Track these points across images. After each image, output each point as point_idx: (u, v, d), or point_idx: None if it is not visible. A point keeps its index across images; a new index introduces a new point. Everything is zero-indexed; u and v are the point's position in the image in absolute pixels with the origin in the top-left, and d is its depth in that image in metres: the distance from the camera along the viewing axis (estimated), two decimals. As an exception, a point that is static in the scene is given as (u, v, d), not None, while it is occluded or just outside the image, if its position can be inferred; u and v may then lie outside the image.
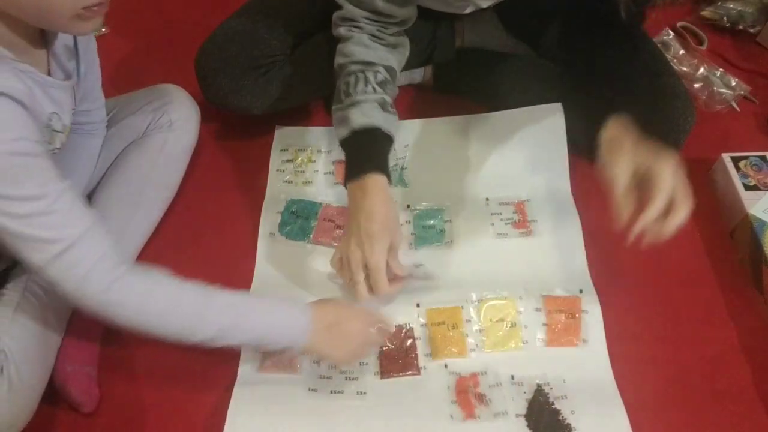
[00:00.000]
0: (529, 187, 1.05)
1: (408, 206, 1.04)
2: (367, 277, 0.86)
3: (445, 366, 0.87)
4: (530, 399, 0.84)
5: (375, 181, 0.87)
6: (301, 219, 1.03)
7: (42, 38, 0.73)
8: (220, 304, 0.75)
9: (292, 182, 1.09)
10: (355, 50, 0.90)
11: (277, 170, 1.11)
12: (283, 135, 1.15)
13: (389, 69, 0.92)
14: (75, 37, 0.79)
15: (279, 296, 0.85)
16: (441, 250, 0.99)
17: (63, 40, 0.77)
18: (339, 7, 0.93)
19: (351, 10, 0.91)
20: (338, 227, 1.02)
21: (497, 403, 0.84)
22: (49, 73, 0.75)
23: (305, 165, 1.11)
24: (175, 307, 0.73)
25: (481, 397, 0.84)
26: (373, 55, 0.90)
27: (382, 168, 0.88)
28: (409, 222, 1.02)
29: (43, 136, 0.72)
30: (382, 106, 0.89)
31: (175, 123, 1.04)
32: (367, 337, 0.82)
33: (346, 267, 0.87)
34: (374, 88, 0.89)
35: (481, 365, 0.87)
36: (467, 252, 0.99)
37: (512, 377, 0.86)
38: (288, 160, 1.11)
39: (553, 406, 0.83)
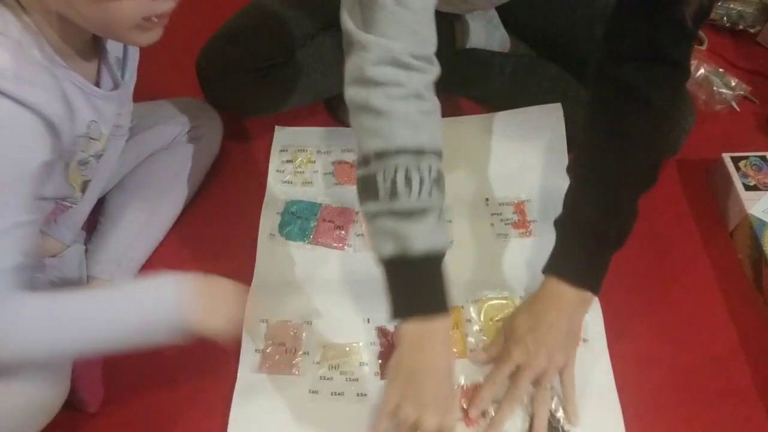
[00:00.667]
0: (529, 188, 1.05)
1: None
2: None
3: None
4: (532, 414, 0.82)
5: (445, 326, 0.72)
6: (301, 219, 1.03)
7: (94, 48, 0.73)
8: (73, 310, 0.67)
9: (291, 183, 1.09)
10: (399, 132, 0.67)
11: (277, 171, 1.11)
12: (282, 135, 1.15)
13: (440, 154, 0.71)
14: (125, 48, 0.80)
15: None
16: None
17: (115, 51, 0.77)
18: (339, 50, 0.73)
19: (386, 47, 0.67)
20: (338, 227, 1.02)
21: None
22: (98, 83, 0.75)
23: (305, 165, 1.11)
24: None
25: (483, 412, 0.82)
26: (424, 138, 0.68)
27: (448, 306, 0.72)
28: None
29: (74, 145, 0.72)
30: (440, 214, 0.70)
31: (202, 138, 1.05)
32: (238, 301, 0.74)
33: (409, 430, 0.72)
34: (430, 192, 0.68)
35: (483, 375, 0.85)
36: (467, 252, 0.99)
37: None
38: (287, 161, 1.11)
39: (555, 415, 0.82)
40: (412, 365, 0.72)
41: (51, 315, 0.65)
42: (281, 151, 1.13)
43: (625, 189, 0.79)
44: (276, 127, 1.16)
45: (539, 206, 1.03)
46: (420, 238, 0.67)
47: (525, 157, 1.08)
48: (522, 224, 1.01)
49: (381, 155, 0.67)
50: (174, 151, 1.03)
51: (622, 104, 0.79)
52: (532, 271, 0.96)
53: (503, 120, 1.12)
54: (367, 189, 0.69)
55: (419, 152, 0.68)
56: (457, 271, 0.96)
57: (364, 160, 0.69)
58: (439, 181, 0.70)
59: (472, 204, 1.04)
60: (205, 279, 0.73)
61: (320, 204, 1.05)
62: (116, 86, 0.78)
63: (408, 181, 0.67)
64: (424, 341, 0.71)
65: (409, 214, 0.67)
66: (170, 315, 0.68)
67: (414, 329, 0.71)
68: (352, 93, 0.69)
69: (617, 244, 0.79)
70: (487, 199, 1.05)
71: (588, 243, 0.78)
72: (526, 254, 0.98)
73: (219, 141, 1.10)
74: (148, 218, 0.98)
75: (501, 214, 1.03)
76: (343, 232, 1.01)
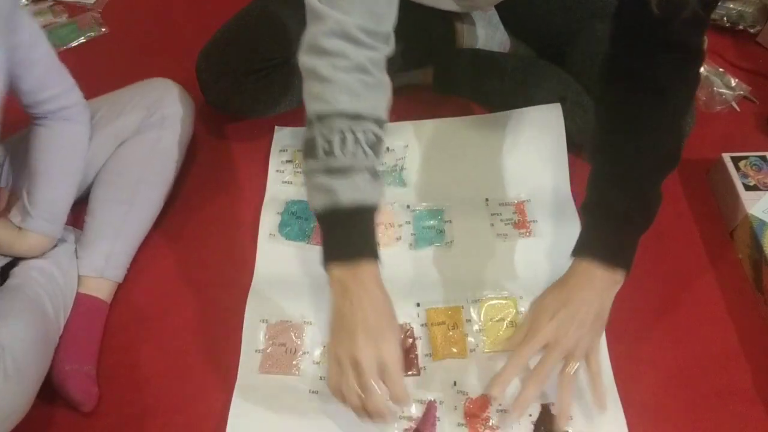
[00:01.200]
0: (529, 188, 1.05)
1: (408, 206, 1.04)
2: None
3: (454, 384, 0.86)
4: (535, 421, 0.82)
5: (371, 270, 0.74)
6: (300, 220, 1.03)
7: None
8: None
9: (291, 183, 1.09)
10: (339, 98, 0.71)
11: (277, 171, 1.11)
12: (282, 135, 1.15)
13: (379, 122, 0.74)
14: None
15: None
16: (441, 250, 0.99)
17: None
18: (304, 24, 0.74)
19: (340, 20, 0.70)
20: None
21: (505, 430, 0.82)
22: None
23: (305, 165, 1.11)
24: None
25: (490, 427, 0.82)
26: (362, 106, 0.72)
27: (376, 253, 0.75)
28: (409, 222, 1.02)
29: None
30: (372, 174, 0.74)
31: (168, 119, 1.02)
32: None
33: (352, 372, 0.70)
34: (364, 152, 0.73)
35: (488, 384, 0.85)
36: (467, 252, 0.99)
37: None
38: (287, 161, 1.11)
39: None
40: (341, 309, 0.74)
41: None
42: (281, 151, 1.13)
43: (649, 173, 0.80)
44: (276, 127, 1.16)
45: (539, 206, 1.03)
46: (348, 192, 0.72)
47: (525, 157, 1.08)
48: (522, 224, 1.01)
49: (322, 118, 0.72)
50: (142, 136, 1.00)
51: (637, 93, 0.79)
52: (532, 271, 0.96)
53: (503, 120, 1.12)
54: (308, 149, 0.74)
55: (356, 117, 0.72)
56: (457, 271, 0.97)
57: (308, 122, 0.74)
58: (375, 144, 0.74)
59: (472, 204, 1.04)
60: None
61: None
62: None
63: (343, 141, 0.71)
64: (349, 284, 0.73)
65: (341, 171, 0.72)
66: None
67: (340, 274, 0.74)
68: (304, 59, 0.74)
69: (645, 226, 0.80)
70: (487, 199, 1.05)
71: (617, 225, 0.79)
72: (527, 254, 0.98)
73: (189, 118, 1.06)
74: (128, 208, 0.97)
75: (501, 214, 1.03)
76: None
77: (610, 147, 0.82)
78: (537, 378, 0.77)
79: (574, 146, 1.07)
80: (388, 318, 0.74)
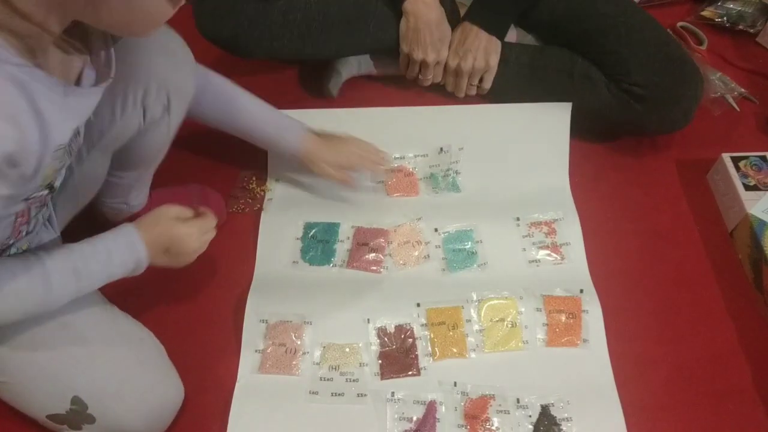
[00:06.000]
0: (529, 189, 1.05)
1: (435, 230, 1.01)
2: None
3: (454, 384, 0.86)
4: (535, 422, 0.82)
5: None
6: (322, 243, 0.99)
7: (80, 42, 0.63)
8: (58, 279, 0.68)
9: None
10: None
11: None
12: (276, 162, 1.12)
13: None
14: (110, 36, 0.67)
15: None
16: (475, 273, 0.96)
17: (103, 42, 0.66)
18: None
19: None
20: (372, 250, 0.98)
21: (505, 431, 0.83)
22: (78, 81, 0.63)
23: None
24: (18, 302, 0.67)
25: (489, 428, 0.82)
26: None
27: None
28: (438, 246, 0.99)
29: (53, 159, 0.60)
30: None
31: (173, 99, 0.82)
32: (201, 248, 0.82)
33: (418, 66, 1.14)
34: None
35: (489, 386, 0.85)
36: (501, 275, 0.96)
37: (518, 401, 0.84)
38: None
39: (559, 427, 0.82)
40: (416, 27, 1.08)
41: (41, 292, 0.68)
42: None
43: None
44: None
45: (566, 226, 1.01)
46: None
47: (524, 155, 1.07)
48: (554, 249, 0.98)
49: None
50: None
51: None
52: (533, 270, 0.96)
53: (502, 116, 1.11)
54: None
55: None
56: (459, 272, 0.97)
57: None
58: None
59: (498, 221, 1.02)
60: (174, 232, 0.79)
61: (338, 223, 1.02)
62: (100, 80, 0.65)
63: None
64: (418, 8, 1.07)
65: None
66: (138, 269, 0.78)
67: (407, 5, 1.06)
68: None
69: (522, 5, 1.11)
70: (517, 219, 1.01)
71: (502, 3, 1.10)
72: (528, 257, 0.98)
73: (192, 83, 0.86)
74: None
75: (532, 236, 1.00)
76: (379, 255, 0.98)
77: None
78: (455, 87, 1.17)
79: (582, 126, 1.07)
80: (443, 31, 1.10)
